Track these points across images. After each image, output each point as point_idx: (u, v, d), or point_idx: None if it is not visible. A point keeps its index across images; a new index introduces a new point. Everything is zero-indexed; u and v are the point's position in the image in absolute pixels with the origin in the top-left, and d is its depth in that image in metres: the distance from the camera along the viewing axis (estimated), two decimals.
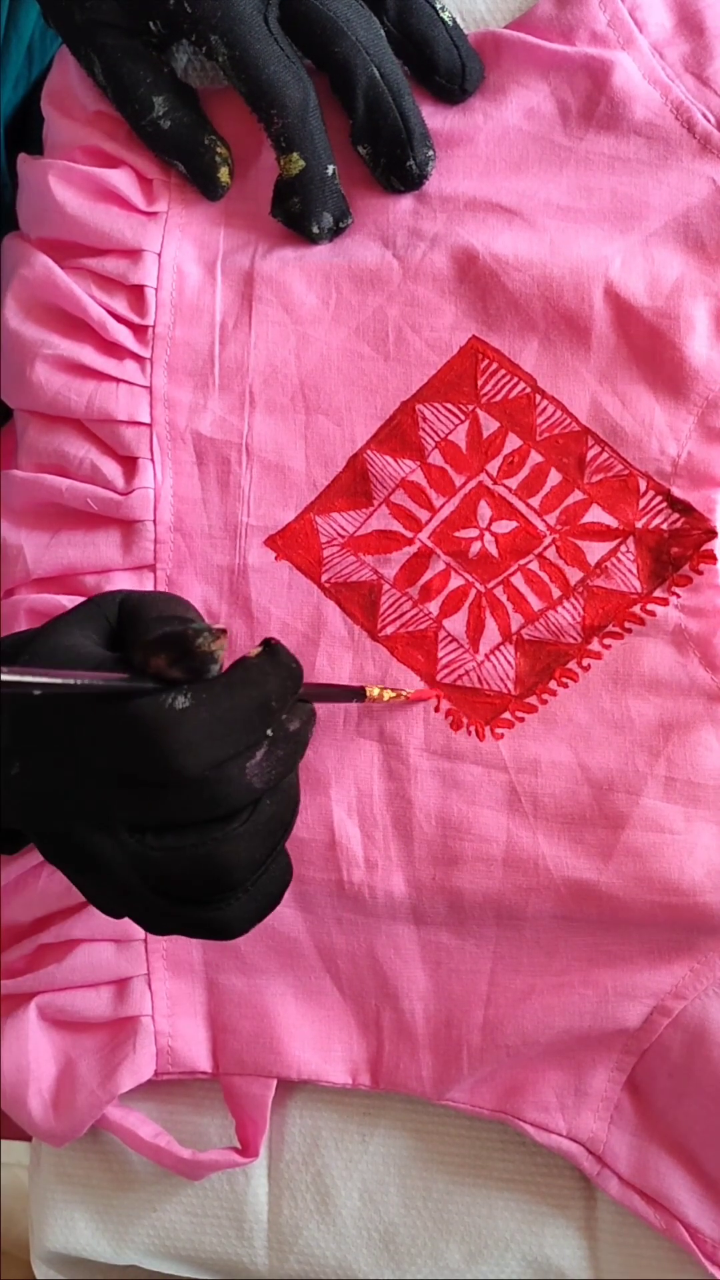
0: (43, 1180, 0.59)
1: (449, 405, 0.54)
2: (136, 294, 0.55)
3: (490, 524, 0.54)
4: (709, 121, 0.53)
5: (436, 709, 0.54)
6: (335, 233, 0.55)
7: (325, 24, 0.51)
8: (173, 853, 0.41)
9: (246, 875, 0.42)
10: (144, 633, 0.41)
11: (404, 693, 0.53)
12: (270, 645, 0.42)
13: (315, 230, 0.54)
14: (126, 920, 0.55)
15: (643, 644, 0.53)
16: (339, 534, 0.55)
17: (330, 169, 0.53)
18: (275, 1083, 0.56)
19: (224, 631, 0.40)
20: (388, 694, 0.53)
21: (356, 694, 0.52)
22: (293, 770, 0.43)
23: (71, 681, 0.38)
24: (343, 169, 0.54)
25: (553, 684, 0.54)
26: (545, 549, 0.54)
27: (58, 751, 0.41)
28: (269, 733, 0.41)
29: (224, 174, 0.55)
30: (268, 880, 0.44)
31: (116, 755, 0.40)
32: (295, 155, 0.53)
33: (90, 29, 0.53)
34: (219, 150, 0.55)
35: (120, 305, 0.55)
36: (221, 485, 0.56)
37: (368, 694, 0.52)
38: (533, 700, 0.54)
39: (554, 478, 0.54)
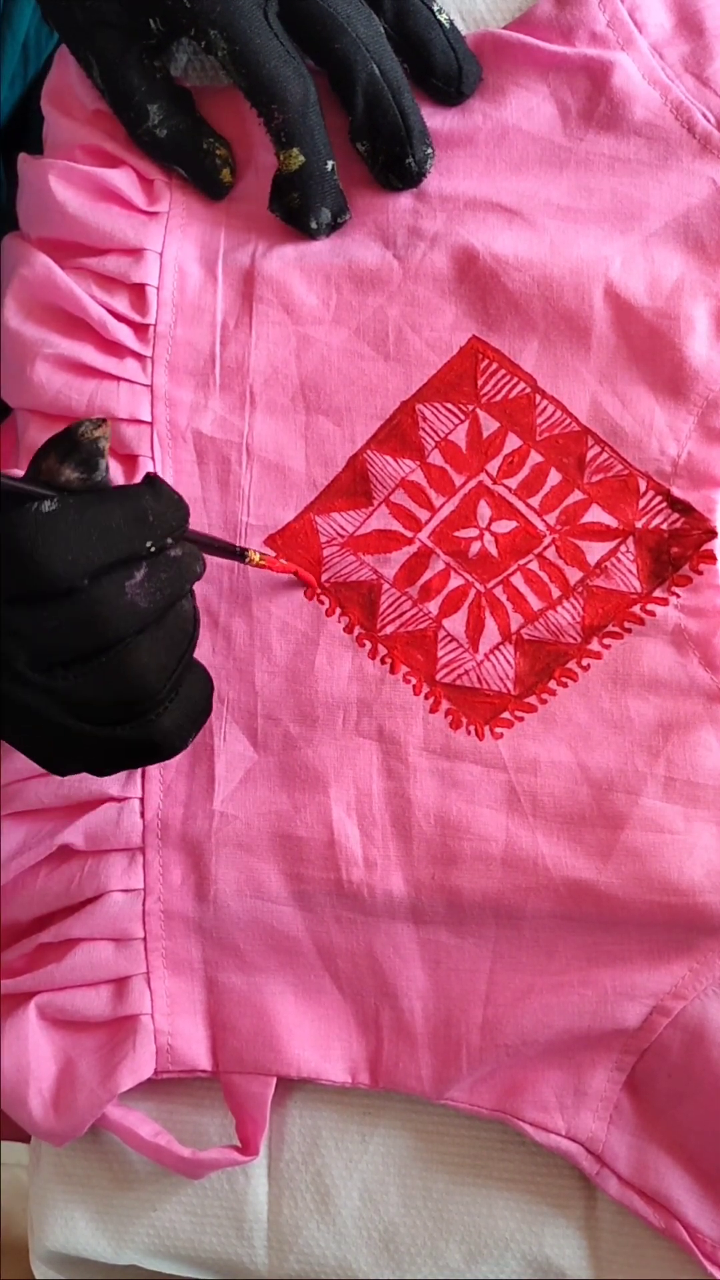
0: (42, 1180, 0.59)
1: (449, 405, 0.54)
2: (138, 292, 0.55)
3: (490, 524, 0.54)
4: (709, 122, 0.53)
5: (435, 709, 0.54)
6: (333, 228, 0.55)
7: (325, 20, 0.51)
8: (83, 676, 0.42)
9: (161, 681, 0.43)
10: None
11: (272, 556, 0.54)
12: (150, 476, 0.43)
13: (314, 225, 0.54)
14: (125, 920, 0.55)
15: (642, 644, 0.53)
16: (339, 534, 0.55)
17: (330, 164, 0.53)
18: (275, 1081, 0.56)
19: (105, 421, 0.41)
20: (258, 557, 0.52)
21: (238, 553, 0.52)
22: (182, 597, 0.44)
23: None
24: (342, 168, 0.54)
25: (552, 684, 0.54)
26: (545, 549, 0.54)
27: None
28: (149, 547, 0.42)
29: (226, 174, 0.56)
30: (187, 687, 0.45)
31: None
32: (295, 150, 0.53)
33: (90, 30, 0.53)
34: (219, 151, 0.55)
35: (121, 304, 0.55)
36: (221, 484, 0.56)
37: (249, 557, 0.52)
38: (532, 700, 0.54)
39: (554, 478, 0.54)
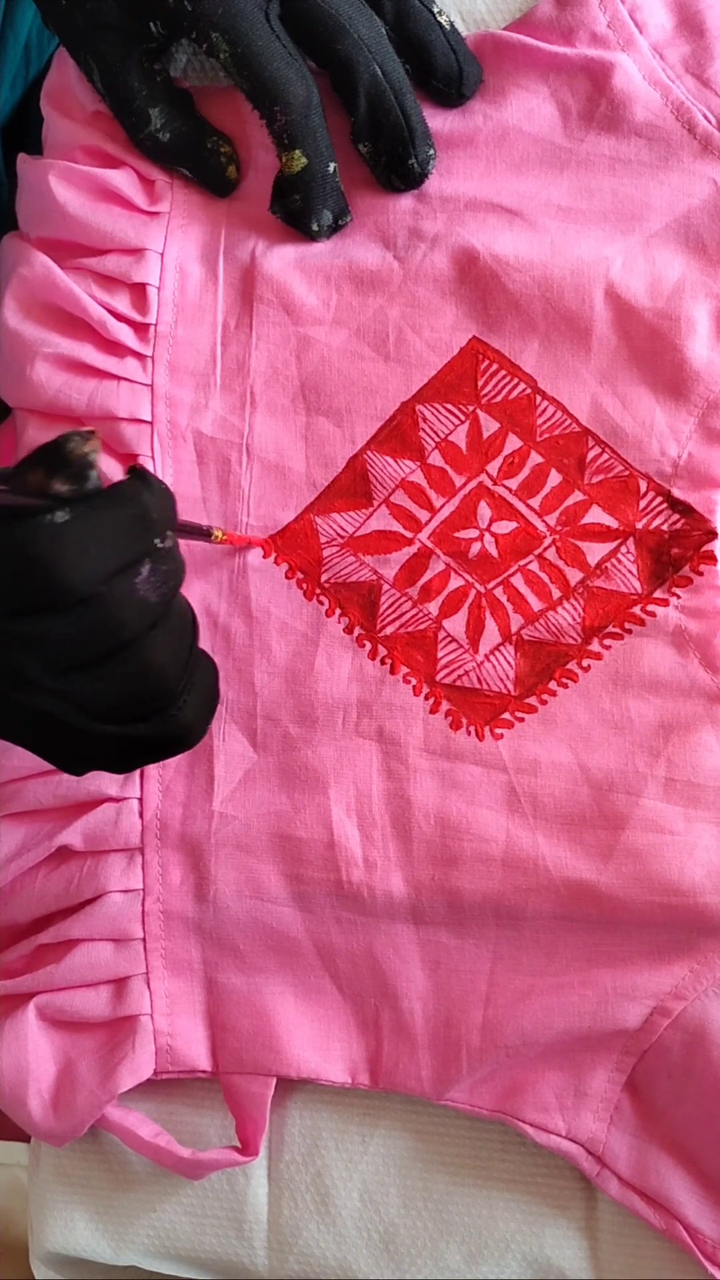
0: (42, 1180, 0.59)
1: (449, 406, 0.54)
2: (139, 292, 0.55)
3: (490, 524, 0.54)
4: (709, 122, 0.53)
5: (435, 710, 0.54)
6: (334, 230, 0.55)
7: (327, 21, 0.51)
8: (101, 678, 0.41)
9: (178, 673, 0.43)
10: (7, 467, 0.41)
11: (231, 532, 0.55)
12: (136, 469, 0.43)
13: (315, 227, 0.54)
14: (124, 920, 0.55)
15: (643, 645, 0.53)
16: (339, 534, 0.55)
17: (331, 166, 0.53)
18: (275, 1081, 0.56)
19: (93, 433, 0.40)
20: (220, 534, 0.53)
21: (205, 533, 0.53)
22: (179, 586, 0.44)
23: None
24: (342, 169, 0.54)
25: (552, 684, 0.54)
26: (545, 550, 0.54)
27: None
28: (156, 543, 0.42)
29: (232, 171, 0.56)
30: (201, 675, 0.45)
31: (7, 591, 0.40)
32: (297, 152, 0.53)
33: (90, 34, 0.53)
34: (223, 149, 0.55)
35: (121, 304, 0.55)
36: (221, 484, 0.56)
37: (214, 535, 0.53)
38: (532, 701, 0.54)
39: (554, 478, 0.54)
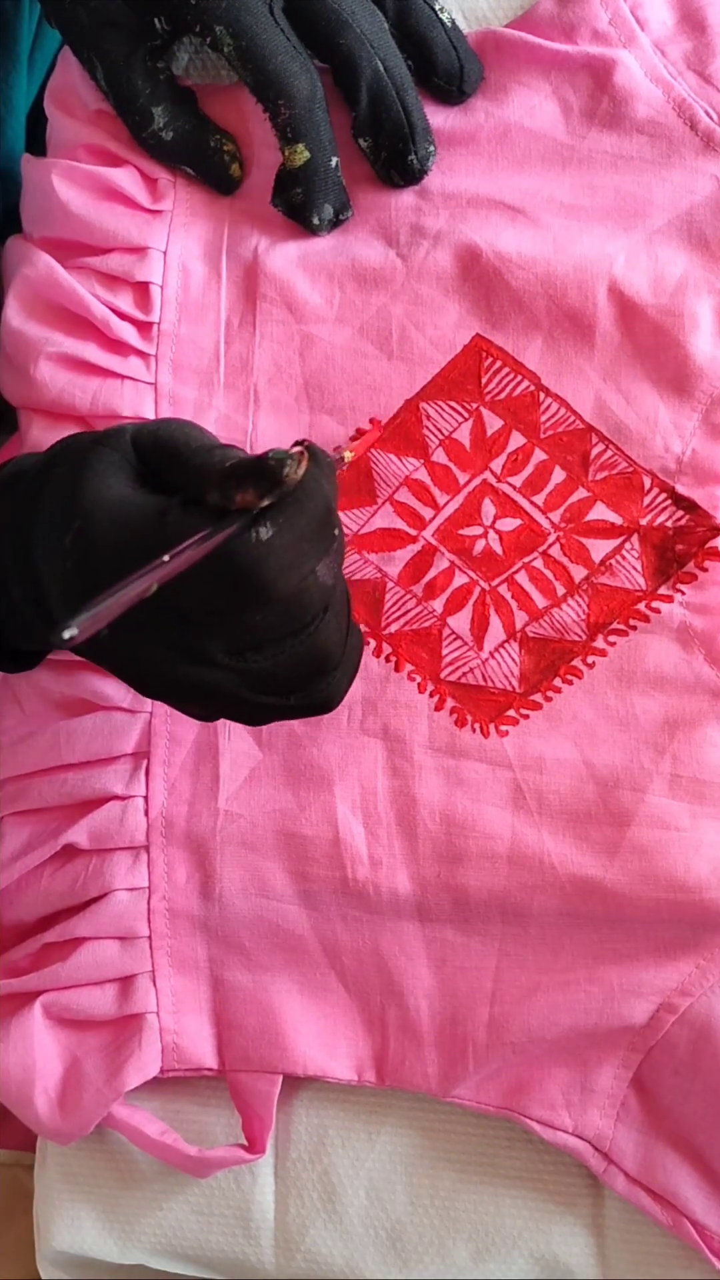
0: (48, 1179, 0.59)
1: (453, 403, 0.55)
2: (142, 291, 0.55)
3: (494, 521, 0.54)
4: (711, 119, 0.54)
5: (440, 708, 0.54)
6: (335, 224, 0.55)
7: (330, 16, 0.52)
8: (277, 655, 0.43)
9: (341, 649, 0.45)
10: (200, 469, 0.42)
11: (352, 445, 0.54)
12: (310, 449, 0.43)
13: (316, 221, 0.55)
14: (130, 918, 0.55)
15: (647, 641, 0.53)
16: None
17: (334, 160, 0.54)
18: (281, 1079, 0.56)
19: (303, 453, 0.41)
20: (349, 455, 0.53)
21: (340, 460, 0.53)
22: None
23: (165, 563, 0.38)
24: (344, 165, 0.54)
25: (557, 681, 0.54)
26: (549, 546, 0.54)
27: (145, 609, 0.41)
28: (336, 532, 0.43)
29: (235, 169, 0.56)
30: (352, 647, 0.46)
31: (209, 597, 0.41)
32: (301, 146, 0.53)
33: (95, 31, 0.53)
34: (226, 148, 0.55)
35: (125, 302, 0.55)
36: None
37: (344, 459, 0.53)
38: (537, 698, 0.54)
39: (558, 475, 0.54)
